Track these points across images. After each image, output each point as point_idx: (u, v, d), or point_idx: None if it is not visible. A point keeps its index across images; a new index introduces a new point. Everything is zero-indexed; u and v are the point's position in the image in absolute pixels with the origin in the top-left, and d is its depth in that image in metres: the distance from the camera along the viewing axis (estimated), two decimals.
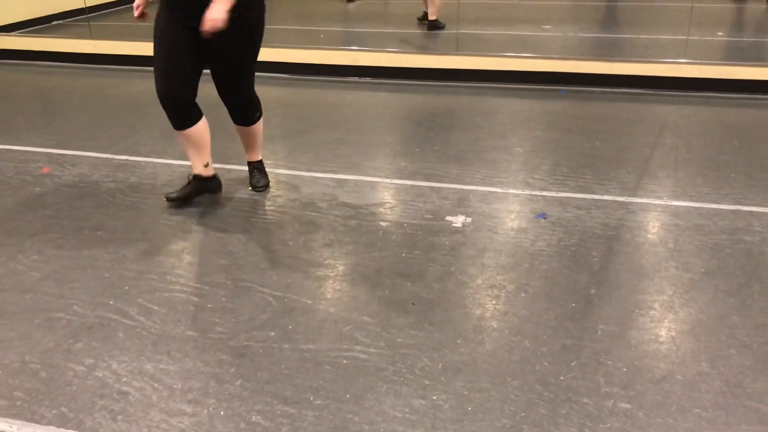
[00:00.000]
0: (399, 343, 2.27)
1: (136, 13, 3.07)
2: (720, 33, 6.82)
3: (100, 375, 2.14)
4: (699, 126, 4.36)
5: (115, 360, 2.21)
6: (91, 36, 6.34)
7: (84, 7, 6.92)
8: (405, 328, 2.35)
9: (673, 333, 2.33)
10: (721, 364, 2.16)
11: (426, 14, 7.16)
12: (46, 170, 3.75)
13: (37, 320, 2.42)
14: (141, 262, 2.80)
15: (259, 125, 3.38)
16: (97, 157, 3.92)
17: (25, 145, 4.13)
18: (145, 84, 5.44)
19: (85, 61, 6.22)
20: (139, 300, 2.54)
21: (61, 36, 6.60)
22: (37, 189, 3.51)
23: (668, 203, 3.26)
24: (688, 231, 3.00)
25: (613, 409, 1.98)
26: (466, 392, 2.05)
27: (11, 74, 6.00)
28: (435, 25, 6.97)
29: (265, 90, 5.36)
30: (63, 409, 2.00)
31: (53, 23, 7.55)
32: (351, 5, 8.46)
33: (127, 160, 3.88)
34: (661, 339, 2.29)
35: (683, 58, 5.24)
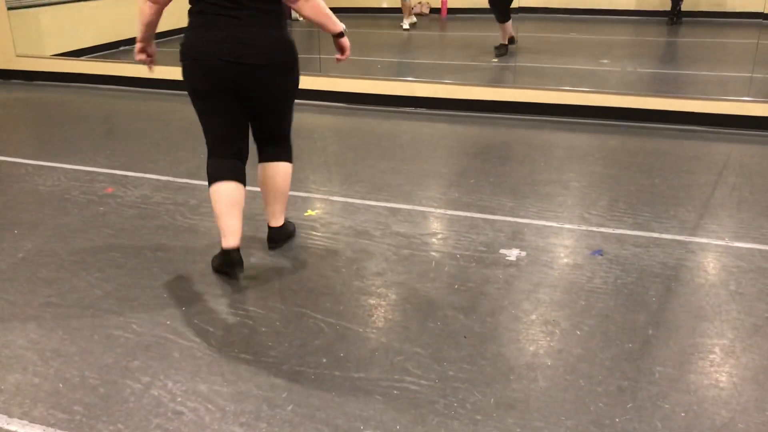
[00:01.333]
0: (451, 377, 2.25)
1: (148, 62, 2.93)
2: None
3: (156, 393, 2.18)
4: (763, 166, 4.25)
5: (171, 379, 2.25)
6: (156, 62, 6.56)
7: None
8: (457, 361, 2.34)
9: (734, 379, 2.25)
10: None
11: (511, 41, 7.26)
12: (109, 191, 3.87)
13: (96, 336, 2.49)
14: (198, 283, 2.85)
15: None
16: (158, 180, 4.03)
17: (90, 166, 4.28)
18: None
19: (149, 85, 6.44)
20: (195, 321, 2.58)
21: (127, 61, 6.85)
22: (101, 209, 3.62)
23: (730, 244, 3.18)
24: (751, 273, 2.91)
25: None
26: (518, 430, 2.02)
27: (80, 97, 6.24)
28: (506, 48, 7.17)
29: (322, 118, 5.47)
30: (120, 425, 2.04)
31: (120, 49, 7.86)
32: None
33: (187, 183, 3.98)
34: (721, 385, 2.22)
35: (747, 95, 5.13)
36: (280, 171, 3.02)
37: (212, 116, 2.82)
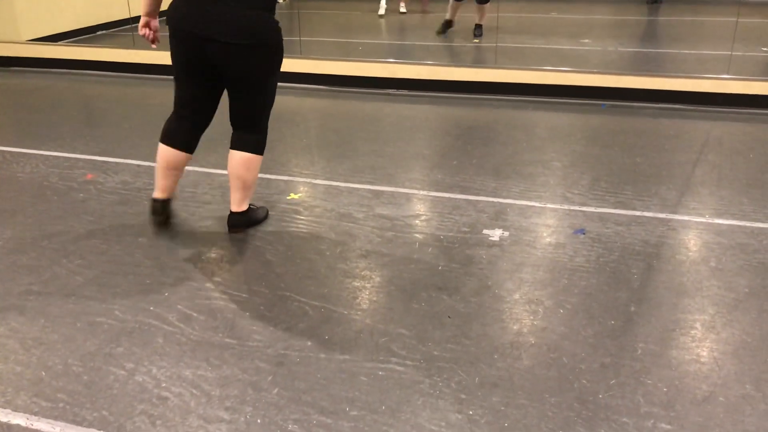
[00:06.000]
0: (435, 356, 2.27)
1: (150, 36, 3.02)
2: (765, 49, 6.70)
3: (140, 379, 2.17)
4: (743, 143, 4.28)
5: (155, 365, 2.24)
6: (135, 46, 6.48)
7: (128, 17, 7.09)
8: (441, 341, 2.35)
9: (715, 354, 2.28)
10: (766, 387, 2.11)
11: (448, 23, 7.20)
12: (89, 177, 3.83)
13: (79, 324, 2.47)
14: (181, 269, 2.84)
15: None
16: (139, 165, 4.00)
17: (70, 152, 4.23)
18: None
19: (128, 70, 6.36)
20: (179, 306, 2.57)
21: (106, 46, 6.76)
22: (81, 195, 3.59)
23: (710, 221, 3.21)
24: (731, 250, 2.94)
25: (653, 430, 1.94)
26: (502, 408, 2.04)
27: (58, 83, 6.15)
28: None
29: (303, 101, 5.43)
30: (104, 412, 2.03)
31: (98, 33, 7.75)
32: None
33: None
34: (702, 359, 2.25)
35: (727, 73, 5.16)
36: (238, 160, 2.98)
37: (183, 85, 2.95)
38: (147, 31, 3.00)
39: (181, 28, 2.78)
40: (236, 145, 2.99)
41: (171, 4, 2.82)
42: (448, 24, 7.24)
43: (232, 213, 3.11)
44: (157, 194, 3.09)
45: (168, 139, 3.02)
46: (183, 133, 3.02)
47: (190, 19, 2.75)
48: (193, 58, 2.83)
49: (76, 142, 4.42)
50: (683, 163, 3.93)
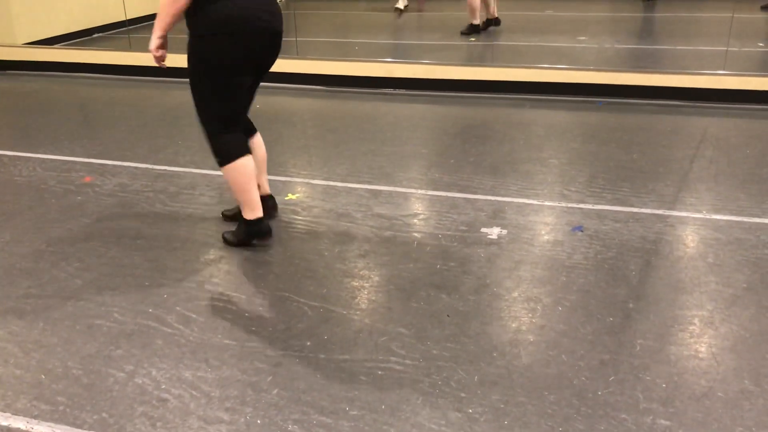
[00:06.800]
0: (435, 355, 2.27)
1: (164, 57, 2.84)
2: (761, 44, 6.71)
3: (140, 381, 2.17)
4: (740, 139, 4.29)
5: (155, 367, 2.24)
6: (131, 48, 6.48)
7: (124, 19, 7.08)
8: (440, 340, 2.35)
9: (713, 349, 2.28)
10: (764, 382, 2.11)
11: (489, 21, 7.33)
12: (87, 180, 3.83)
13: (78, 326, 2.47)
14: (179, 270, 2.84)
15: (227, 175, 2.89)
16: (136, 167, 4.00)
17: (67, 155, 4.23)
18: (183, 96, 5.53)
19: (125, 72, 6.35)
20: (178, 308, 2.57)
21: (102, 48, 6.75)
22: (79, 198, 3.59)
23: (708, 217, 3.21)
24: (729, 245, 2.95)
25: (652, 426, 1.95)
26: (502, 406, 2.04)
27: (55, 86, 6.15)
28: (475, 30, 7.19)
29: (300, 102, 5.43)
30: (104, 414, 2.03)
31: (94, 36, 7.74)
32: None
33: (165, 170, 3.94)
34: (701, 355, 2.25)
35: (723, 69, 5.16)
36: (261, 140, 3.15)
37: (236, 91, 2.81)
38: (163, 52, 2.80)
39: (250, 27, 2.66)
40: (254, 128, 3.11)
41: (222, 8, 2.61)
42: (489, 22, 7.41)
43: (272, 195, 3.27)
44: (260, 212, 2.93)
45: (244, 149, 2.87)
46: (246, 142, 2.95)
47: (258, 15, 2.68)
48: (257, 57, 2.76)
49: (73, 144, 4.42)
50: (680, 160, 3.93)
